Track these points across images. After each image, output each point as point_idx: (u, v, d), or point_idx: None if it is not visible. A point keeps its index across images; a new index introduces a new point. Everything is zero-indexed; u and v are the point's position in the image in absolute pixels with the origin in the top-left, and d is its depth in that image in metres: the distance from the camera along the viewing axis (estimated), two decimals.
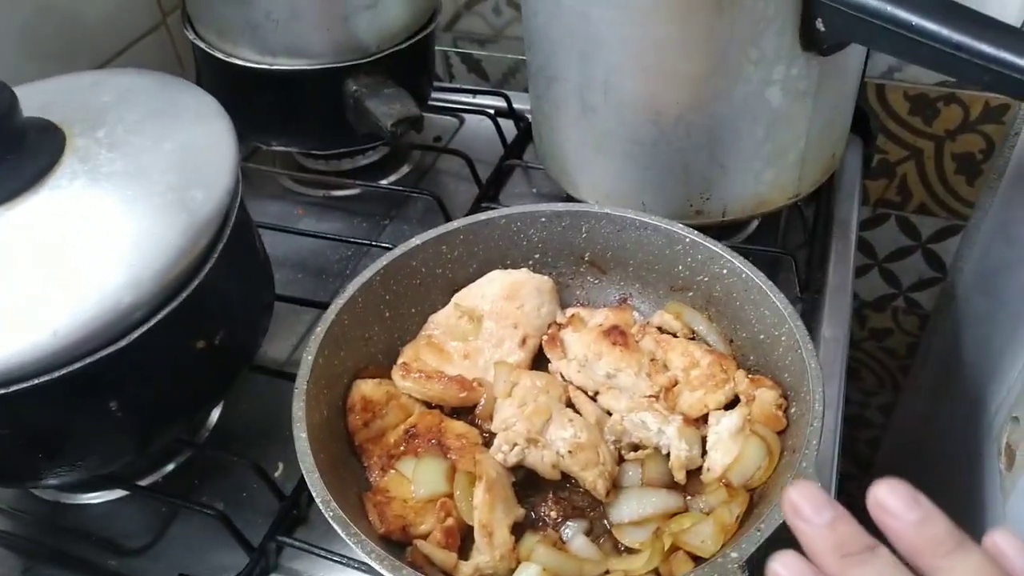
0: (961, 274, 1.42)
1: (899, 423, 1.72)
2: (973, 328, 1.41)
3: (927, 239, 1.40)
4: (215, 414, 0.86)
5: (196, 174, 0.69)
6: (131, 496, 0.79)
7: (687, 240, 0.76)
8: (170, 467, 0.81)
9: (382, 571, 0.53)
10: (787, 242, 1.00)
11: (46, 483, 0.70)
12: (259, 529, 0.72)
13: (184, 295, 0.64)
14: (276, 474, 0.78)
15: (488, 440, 0.70)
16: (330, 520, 0.56)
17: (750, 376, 0.69)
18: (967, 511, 1.26)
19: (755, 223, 1.02)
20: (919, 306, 1.51)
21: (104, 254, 0.61)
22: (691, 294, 0.78)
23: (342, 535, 0.55)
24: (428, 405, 0.74)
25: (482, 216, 0.80)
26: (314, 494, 0.57)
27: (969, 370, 1.39)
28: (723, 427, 0.66)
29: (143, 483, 0.79)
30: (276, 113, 1.02)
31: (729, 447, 0.65)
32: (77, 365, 0.59)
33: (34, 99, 0.71)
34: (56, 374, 0.59)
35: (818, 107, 0.83)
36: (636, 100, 0.81)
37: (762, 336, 0.71)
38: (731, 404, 0.70)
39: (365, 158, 1.15)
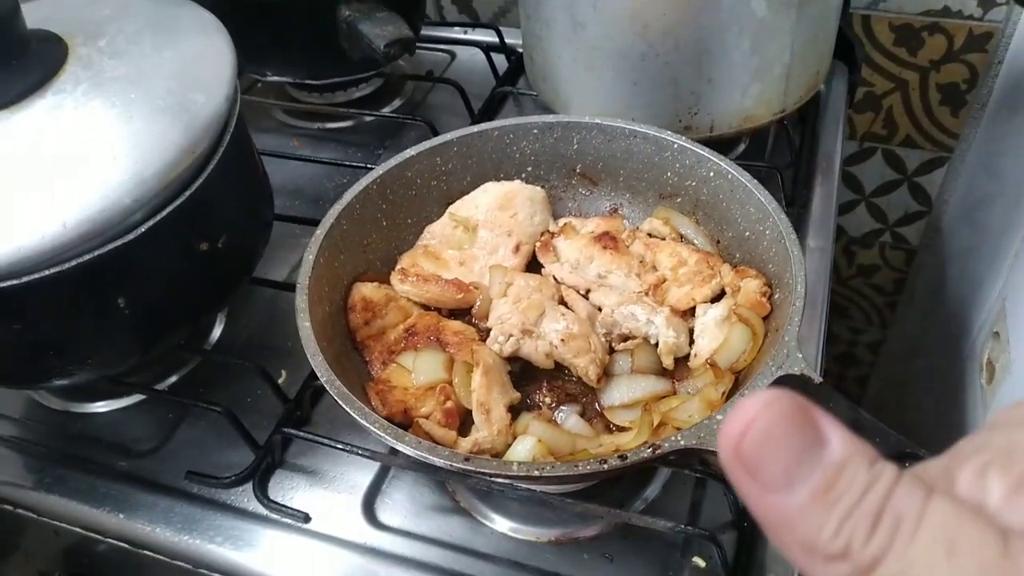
0: (946, 207, 1.45)
1: (886, 359, 1.75)
2: (958, 261, 1.44)
3: (913, 172, 1.42)
4: (218, 329, 0.89)
5: (196, 80, 0.71)
6: (138, 404, 0.82)
7: (675, 146, 0.78)
8: (175, 378, 0.84)
9: (386, 439, 0.56)
10: (774, 161, 1.02)
11: (58, 382, 0.73)
12: (264, 431, 0.75)
13: (187, 194, 0.67)
14: (279, 381, 0.81)
15: (484, 337, 0.72)
16: (335, 396, 0.58)
17: (735, 269, 0.72)
18: (950, 439, 1.30)
19: (743, 144, 1.04)
20: (905, 241, 1.54)
21: (109, 153, 0.63)
22: (679, 200, 0.80)
23: (346, 409, 0.58)
24: (426, 308, 0.77)
25: (475, 128, 0.82)
26: (318, 374, 0.60)
27: (954, 302, 1.42)
28: (709, 316, 0.69)
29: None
30: (270, 42, 1.03)
31: (715, 334, 0.67)
32: (86, 257, 0.62)
33: (36, 14, 0.73)
34: (67, 265, 0.61)
35: (802, 19, 0.84)
36: (624, 13, 0.83)
37: (747, 233, 0.73)
38: (717, 299, 0.73)
39: (358, 90, 1.17)
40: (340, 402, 0.58)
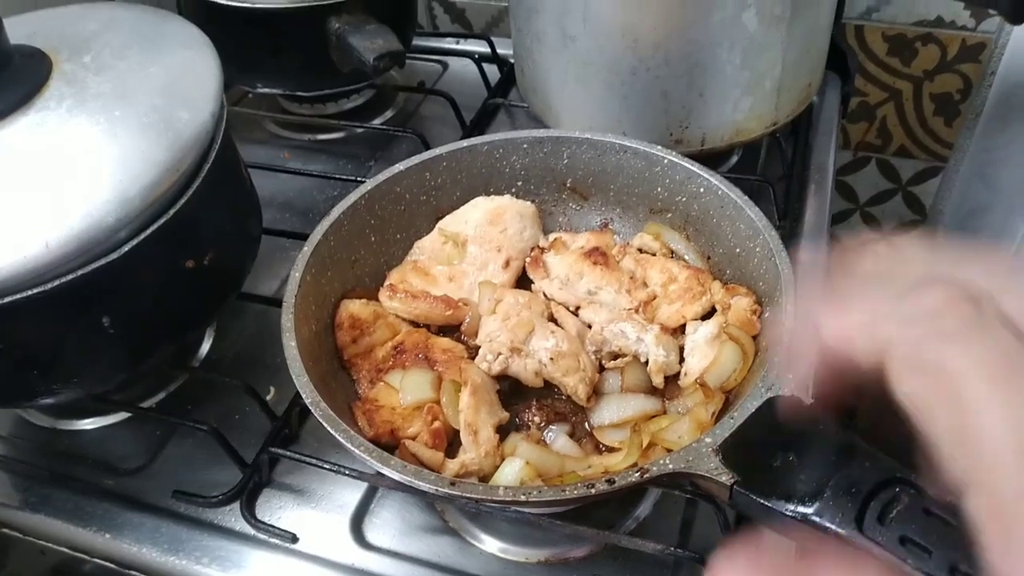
0: (941, 216, 1.45)
1: None
2: None
3: (907, 181, 1.42)
4: (206, 345, 0.88)
5: (181, 96, 0.70)
6: (125, 422, 0.81)
7: (665, 161, 0.77)
8: (162, 395, 0.83)
9: (372, 462, 0.55)
10: (767, 174, 1.01)
11: (43, 401, 0.72)
12: (251, 449, 0.74)
13: (172, 212, 0.66)
14: (267, 398, 0.80)
15: (473, 355, 0.72)
16: (319, 418, 0.58)
17: (726, 286, 0.72)
18: None
19: (736, 157, 1.04)
20: None
21: (92, 171, 0.63)
22: (670, 215, 0.79)
23: (331, 431, 0.57)
24: (415, 325, 0.76)
25: (464, 143, 0.81)
26: (303, 395, 0.59)
27: None
28: (700, 335, 0.69)
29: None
30: (260, 54, 1.03)
31: (705, 352, 0.67)
32: (70, 277, 0.61)
33: (20, 29, 0.72)
34: (50, 285, 0.60)
35: (793, 33, 0.84)
36: (614, 27, 0.82)
37: (738, 250, 0.73)
38: (707, 317, 0.72)
39: (350, 102, 1.16)
40: (325, 424, 0.58)
